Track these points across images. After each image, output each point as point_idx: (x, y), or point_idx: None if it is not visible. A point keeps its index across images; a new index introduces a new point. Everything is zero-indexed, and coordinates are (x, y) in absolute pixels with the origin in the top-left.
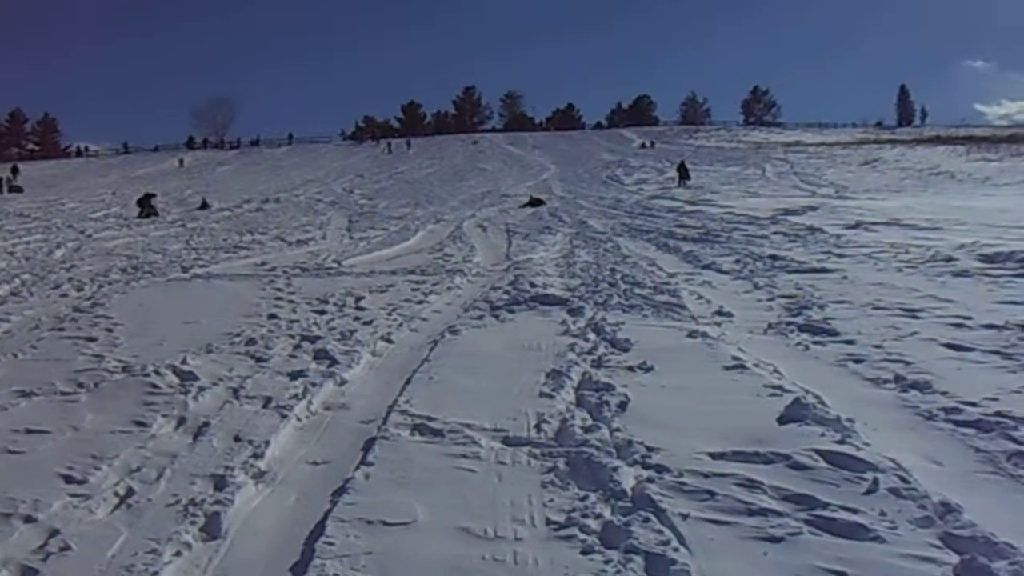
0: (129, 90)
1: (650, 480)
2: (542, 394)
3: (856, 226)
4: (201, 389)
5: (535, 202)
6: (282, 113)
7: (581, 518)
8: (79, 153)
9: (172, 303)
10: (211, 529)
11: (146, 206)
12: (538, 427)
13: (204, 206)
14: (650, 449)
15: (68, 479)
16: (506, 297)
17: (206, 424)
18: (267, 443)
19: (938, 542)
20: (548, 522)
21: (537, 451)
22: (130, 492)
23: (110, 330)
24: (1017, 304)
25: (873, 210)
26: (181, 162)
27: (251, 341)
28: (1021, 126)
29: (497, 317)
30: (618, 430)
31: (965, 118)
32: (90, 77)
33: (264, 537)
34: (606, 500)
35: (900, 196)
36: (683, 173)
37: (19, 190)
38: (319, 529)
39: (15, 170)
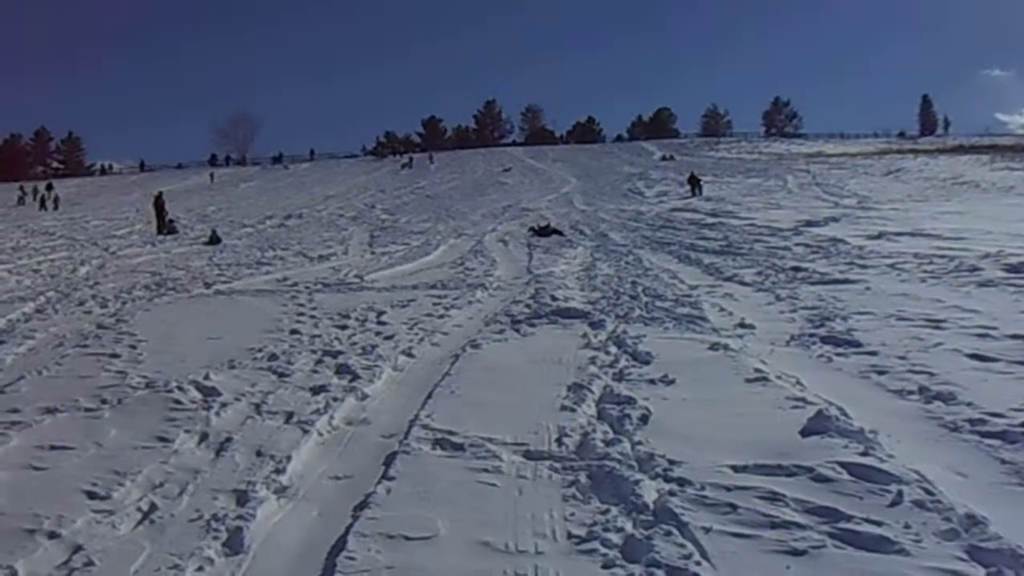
0: (152, 108)
1: (672, 493)
2: (563, 408)
3: (879, 237)
4: (224, 405)
5: (546, 231)
6: (304, 129)
7: (603, 532)
8: (103, 171)
9: (195, 319)
10: (233, 544)
11: (162, 219)
12: (559, 441)
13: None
14: (672, 462)
15: (92, 495)
16: (527, 311)
17: (228, 439)
18: (289, 458)
19: (964, 555)
20: (569, 536)
21: (558, 465)
22: (153, 508)
23: (133, 346)
24: None
25: (896, 220)
26: (212, 176)
27: (273, 356)
28: None
29: (518, 331)
30: (640, 443)
31: (988, 127)
32: (114, 95)
33: (286, 552)
34: (628, 514)
35: (924, 206)
36: (695, 184)
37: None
38: (340, 544)
39: (50, 187)
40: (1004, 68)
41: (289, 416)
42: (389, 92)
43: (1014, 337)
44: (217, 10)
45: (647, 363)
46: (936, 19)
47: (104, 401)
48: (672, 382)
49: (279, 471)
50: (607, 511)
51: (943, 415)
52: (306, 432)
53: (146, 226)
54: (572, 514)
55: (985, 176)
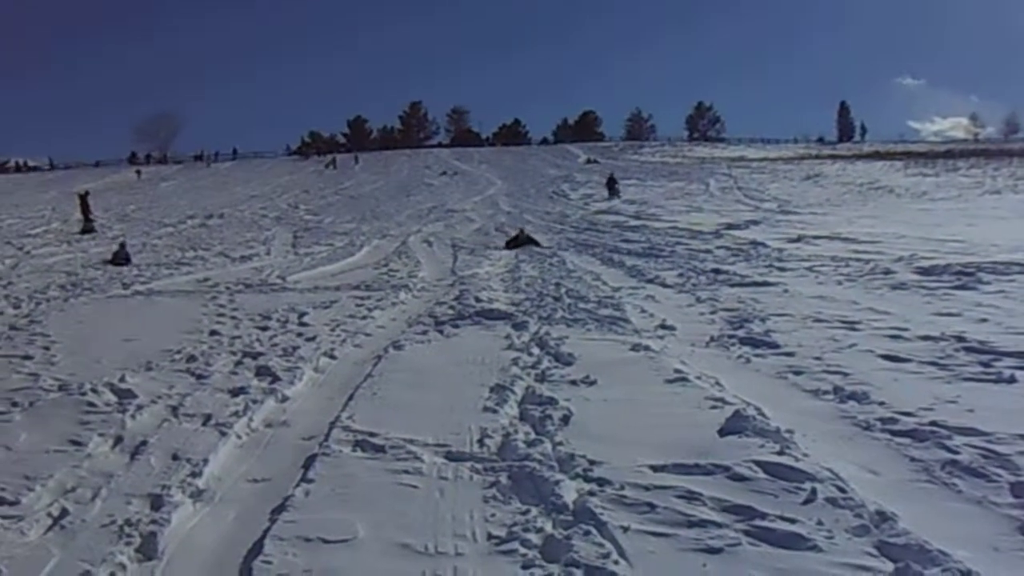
0: (68, 105)
1: (591, 493)
2: (485, 408)
3: (798, 240)
4: (139, 407)
5: (521, 240)
6: (227, 128)
7: (522, 532)
8: (19, 168)
9: (111, 320)
10: (147, 550)
11: (88, 218)
12: (481, 442)
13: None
14: (592, 462)
15: (0, 500)
16: (451, 312)
17: (144, 443)
18: (206, 461)
19: (873, 550)
20: (489, 537)
21: (480, 466)
22: (64, 513)
23: (47, 348)
24: (953, 316)
25: (814, 224)
26: (139, 173)
27: (192, 358)
28: (955, 142)
29: (442, 332)
30: (561, 444)
31: (903, 134)
32: (28, 92)
33: (201, 556)
34: (548, 514)
35: (841, 210)
36: (612, 186)
37: None
38: (257, 547)
39: None
40: (915, 77)
41: (207, 418)
42: (314, 92)
43: (924, 338)
44: (134, 6)
45: (569, 364)
46: (852, 28)
47: (15, 404)
48: (594, 383)
49: (195, 474)
50: (527, 512)
51: (856, 414)
52: (224, 435)
53: (63, 225)
54: (492, 515)
55: (900, 182)
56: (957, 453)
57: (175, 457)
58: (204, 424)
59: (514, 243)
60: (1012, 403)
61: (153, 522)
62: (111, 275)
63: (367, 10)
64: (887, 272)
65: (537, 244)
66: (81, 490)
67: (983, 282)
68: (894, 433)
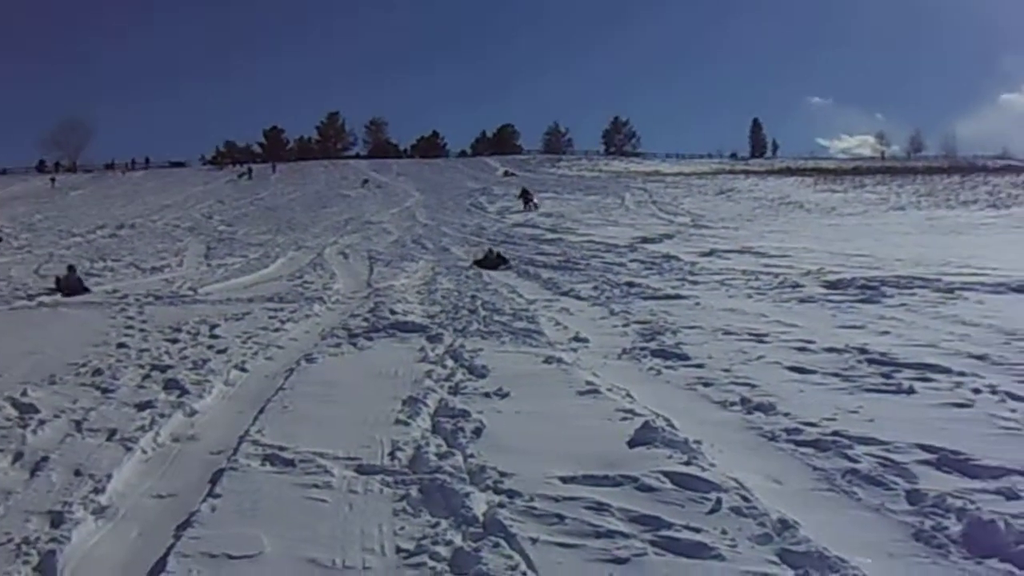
0: None
1: (501, 505)
2: (398, 421)
3: (710, 254)
4: (41, 422)
5: (491, 260)
6: (140, 137)
7: (431, 545)
8: None
9: (14, 332)
10: (45, 569)
11: None
12: (392, 455)
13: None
14: (503, 474)
15: None
16: (365, 324)
17: (45, 458)
18: (109, 477)
19: (775, 558)
20: (398, 550)
21: (390, 479)
22: None
23: None
24: (856, 328)
25: (727, 238)
26: (53, 181)
27: (98, 371)
28: (862, 159)
29: (355, 345)
30: (472, 456)
31: (813, 151)
32: None
33: (102, 574)
34: (457, 526)
35: (753, 225)
36: (527, 199)
37: None
38: (160, 564)
39: None
40: (823, 96)
41: (112, 433)
42: (229, 101)
43: (829, 350)
44: (41, 12)
45: (483, 376)
46: (763, 47)
47: None
48: (507, 395)
49: (98, 491)
50: (437, 524)
51: (762, 425)
52: (129, 450)
53: None
54: (402, 528)
55: (809, 197)
56: (857, 462)
57: (77, 473)
58: (109, 439)
59: (484, 263)
60: (910, 413)
61: (53, 540)
62: (15, 286)
63: (284, 20)
64: (795, 286)
65: (507, 262)
66: None
67: (886, 296)
68: (798, 443)
